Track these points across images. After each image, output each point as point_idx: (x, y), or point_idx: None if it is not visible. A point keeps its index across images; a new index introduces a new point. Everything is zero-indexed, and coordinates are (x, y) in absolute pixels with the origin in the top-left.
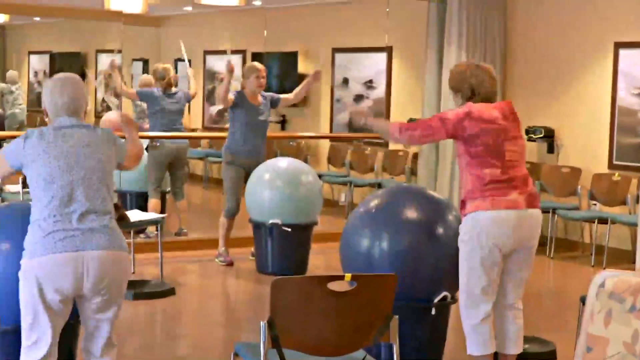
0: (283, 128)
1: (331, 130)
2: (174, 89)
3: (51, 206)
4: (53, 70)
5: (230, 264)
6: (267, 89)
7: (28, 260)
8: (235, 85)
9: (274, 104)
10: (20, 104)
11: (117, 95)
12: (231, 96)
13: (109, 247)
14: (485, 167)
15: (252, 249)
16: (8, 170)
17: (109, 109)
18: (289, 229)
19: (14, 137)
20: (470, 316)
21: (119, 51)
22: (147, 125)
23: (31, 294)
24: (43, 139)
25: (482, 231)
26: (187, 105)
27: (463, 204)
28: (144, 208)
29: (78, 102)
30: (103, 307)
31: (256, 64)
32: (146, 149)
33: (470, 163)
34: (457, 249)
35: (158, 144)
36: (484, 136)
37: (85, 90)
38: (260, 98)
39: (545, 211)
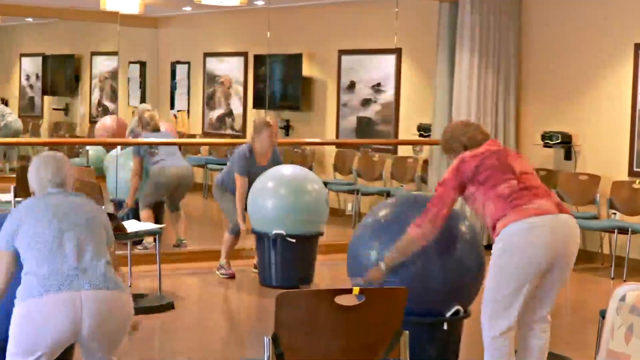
0: (287, 134)
1: (337, 136)
2: (161, 130)
3: (44, 258)
4: (45, 74)
5: (232, 276)
6: (271, 94)
7: (21, 303)
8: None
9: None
10: (10, 113)
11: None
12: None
13: (107, 287)
14: (500, 184)
15: (255, 261)
16: (7, 256)
17: (104, 113)
18: (294, 240)
19: (12, 144)
20: (491, 328)
21: (116, 53)
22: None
23: (24, 338)
24: (31, 205)
25: (514, 247)
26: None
27: (493, 228)
28: (139, 218)
29: (64, 176)
30: (104, 350)
31: (268, 119)
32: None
33: (485, 192)
34: (470, 261)
35: (157, 151)
36: (486, 161)
37: (70, 167)
38: (270, 154)
39: None
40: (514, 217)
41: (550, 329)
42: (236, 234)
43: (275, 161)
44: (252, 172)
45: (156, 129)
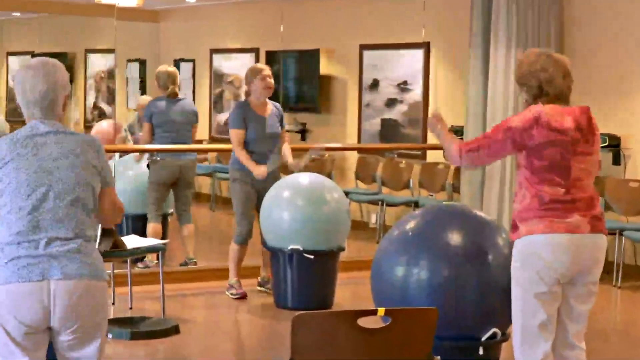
0: (303, 138)
1: (359, 141)
2: (180, 96)
3: (16, 228)
4: None
5: (243, 297)
6: (285, 94)
7: None
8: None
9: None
10: None
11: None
12: None
13: (80, 276)
14: (546, 185)
15: (259, 278)
16: None
17: (100, 117)
18: (312, 256)
19: None
20: (526, 357)
21: (112, 51)
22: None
23: None
24: (14, 147)
25: (536, 257)
26: (195, 119)
27: (515, 225)
28: (143, 233)
29: (53, 95)
30: (76, 345)
31: (258, 64)
32: (147, 166)
33: (530, 178)
34: (508, 279)
35: (159, 159)
36: (552, 148)
37: (65, 76)
38: (270, 107)
39: (611, 233)
40: (540, 228)
41: (585, 356)
42: (242, 242)
43: (279, 114)
44: (252, 123)
45: (173, 95)
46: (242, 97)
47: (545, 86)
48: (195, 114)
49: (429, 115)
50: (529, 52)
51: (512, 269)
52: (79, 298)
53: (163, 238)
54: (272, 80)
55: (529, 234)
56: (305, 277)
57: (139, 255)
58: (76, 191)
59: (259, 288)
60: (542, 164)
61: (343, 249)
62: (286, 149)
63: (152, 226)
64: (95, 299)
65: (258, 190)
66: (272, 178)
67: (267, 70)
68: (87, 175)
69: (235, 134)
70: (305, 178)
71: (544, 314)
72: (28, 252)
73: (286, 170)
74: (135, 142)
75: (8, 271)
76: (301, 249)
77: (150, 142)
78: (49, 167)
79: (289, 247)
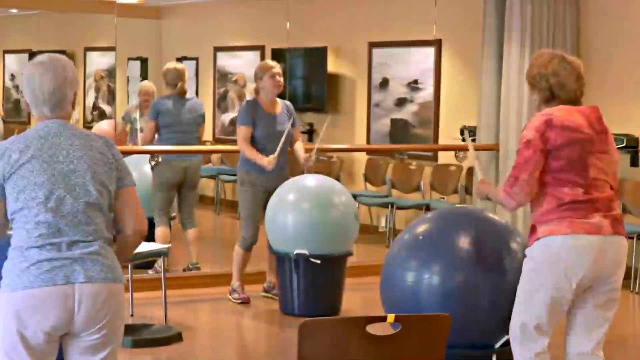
0: (310, 139)
1: (368, 142)
2: (188, 95)
3: (37, 232)
4: None
5: (245, 301)
6: (292, 93)
7: (9, 293)
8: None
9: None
10: None
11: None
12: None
13: (103, 279)
14: (565, 186)
15: (265, 284)
16: None
17: (100, 117)
18: (319, 261)
19: None
20: (523, 352)
21: (113, 49)
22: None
23: (9, 333)
24: (27, 149)
25: (554, 259)
26: (202, 121)
27: (533, 229)
28: (147, 237)
29: (63, 92)
30: (95, 348)
31: (269, 61)
32: (151, 168)
33: (547, 181)
34: None
35: (160, 160)
36: (569, 147)
37: (74, 72)
38: (279, 105)
39: (629, 237)
40: (560, 229)
41: None
42: (247, 247)
43: (289, 111)
44: (262, 121)
45: (182, 92)
46: (247, 97)
47: (556, 90)
48: (203, 116)
49: (475, 186)
50: (541, 53)
51: (524, 265)
52: (103, 301)
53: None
54: (281, 79)
55: (549, 234)
56: (312, 283)
57: (140, 260)
58: (92, 193)
59: (264, 294)
60: (560, 165)
61: (351, 254)
62: (299, 146)
63: (161, 230)
64: (117, 303)
65: (268, 192)
66: (283, 178)
67: (277, 68)
68: (102, 175)
69: (242, 130)
70: (311, 180)
71: (545, 316)
72: (51, 254)
73: (296, 171)
74: (135, 132)
75: (31, 275)
76: (308, 253)
77: (152, 141)
78: (64, 169)
79: (295, 252)
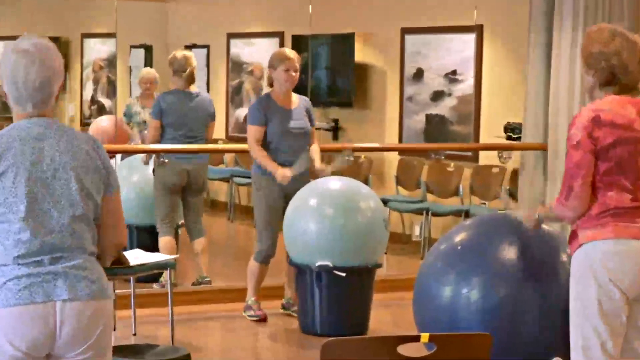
0: (335, 137)
1: (401, 140)
2: (195, 89)
3: (16, 251)
4: None
5: (262, 319)
6: (315, 86)
7: None
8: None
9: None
10: None
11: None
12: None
13: (88, 295)
14: (611, 190)
15: (284, 300)
16: None
17: (99, 113)
18: (343, 274)
19: None
20: None
21: (113, 36)
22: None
23: None
24: (8, 154)
25: (598, 265)
26: (211, 120)
27: (574, 235)
28: (150, 248)
29: (49, 86)
30: None
31: (286, 51)
32: (153, 171)
33: (594, 184)
34: None
35: (166, 161)
36: (619, 147)
37: (61, 61)
38: (296, 100)
39: None
40: (602, 234)
41: None
42: (264, 261)
43: (307, 109)
44: (275, 117)
45: (190, 78)
46: (265, 90)
47: (618, 72)
48: (212, 115)
49: (524, 221)
50: (601, 28)
51: (570, 281)
52: (89, 320)
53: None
54: (296, 74)
55: (591, 240)
56: (336, 298)
57: (144, 273)
58: (78, 203)
59: (282, 311)
60: (608, 166)
61: (380, 266)
62: (314, 150)
63: (165, 240)
64: (105, 321)
65: (287, 197)
66: (303, 182)
67: (294, 61)
68: (89, 183)
69: (253, 131)
70: (335, 183)
71: (606, 332)
72: (30, 270)
73: (312, 174)
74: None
75: (9, 292)
76: (331, 265)
77: (157, 142)
78: (48, 179)
79: (317, 264)
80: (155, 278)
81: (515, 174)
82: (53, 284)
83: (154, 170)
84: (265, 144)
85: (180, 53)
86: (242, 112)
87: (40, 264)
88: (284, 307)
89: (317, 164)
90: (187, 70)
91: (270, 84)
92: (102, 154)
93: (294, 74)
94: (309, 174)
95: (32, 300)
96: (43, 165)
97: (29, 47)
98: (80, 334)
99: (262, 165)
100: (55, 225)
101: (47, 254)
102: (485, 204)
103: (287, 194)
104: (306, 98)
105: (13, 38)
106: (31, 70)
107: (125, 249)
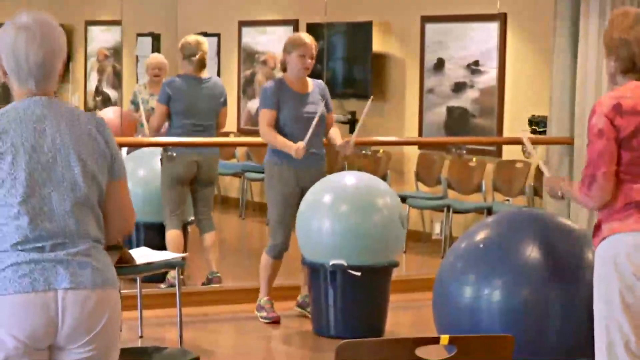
0: (352, 130)
1: (420, 134)
2: (205, 74)
3: (15, 237)
4: None
5: (275, 321)
6: (331, 77)
7: None
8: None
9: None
10: None
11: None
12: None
13: (92, 284)
14: (636, 182)
15: (299, 298)
16: None
17: (104, 104)
18: (359, 274)
19: None
20: None
21: (119, 23)
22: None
23: None
24: (7, 136)
25: (621, 259)
26: (223, 104)
27: (598, 228)
28: (158, 246)
29: (51, 64)
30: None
31: (303, 35)
32: (160, 160)
33: (617, 174)
34: None
35: (175, 154)
36: None
37: (63, 37)
38: (310, 84)
39: None
40: (625, 226)
41: None
42: (277, 255)
43: (323, 93)
44: (289, 102)
45: (202, 62)
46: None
47: (638, 61)
48: (224, 100)
49: (544, 183)
50: (626, 12)
51: (594, 277)
52: (93, 309)
53: (184, 249)
54: (312, 62)
55: (614, 232)
56: (351, 299)
57: (150, 272)
58: (81, 188)
59: (298, 309)
60: (631, 156)
61: (397, 265)
62: (334, 132)
63: (172, 234)
64: (111, 310)
65: (302, 190)
66: (319, 174)
67: (311, 47)
68: (92, 166)
69: (265, 115)
70: (351, 178)
71: (631, 329)
72: (31, 256)
73: (334, 168)
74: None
75: (6, 280)
76: (346, 264)
77: (161, 128)
78: (49, 161)
79: (332, 263)
80: (161, 278)
81: (540, 170)
82: (54, 272)
83: (161, 161)
84: (278, 129)
85: (192, 37)
86: (254, 104)
87: (41, 251)
88: (299, 305)
89: (338, 141)
90: (198, 55)
91: (284, 69)
92: (106, 134)
93: (309, 60)
94: (331, 163)
95: (32, 288)
96: (44, 148)
97: (29, 22)
98: (84, 324)
99: (276, 146)
100: (56, 210)
101: (48, 240)
102: (508, 200)
103: (301, 186)
104: (322, 82)
105: None
106: (32, 47)
107: (130, 243)
